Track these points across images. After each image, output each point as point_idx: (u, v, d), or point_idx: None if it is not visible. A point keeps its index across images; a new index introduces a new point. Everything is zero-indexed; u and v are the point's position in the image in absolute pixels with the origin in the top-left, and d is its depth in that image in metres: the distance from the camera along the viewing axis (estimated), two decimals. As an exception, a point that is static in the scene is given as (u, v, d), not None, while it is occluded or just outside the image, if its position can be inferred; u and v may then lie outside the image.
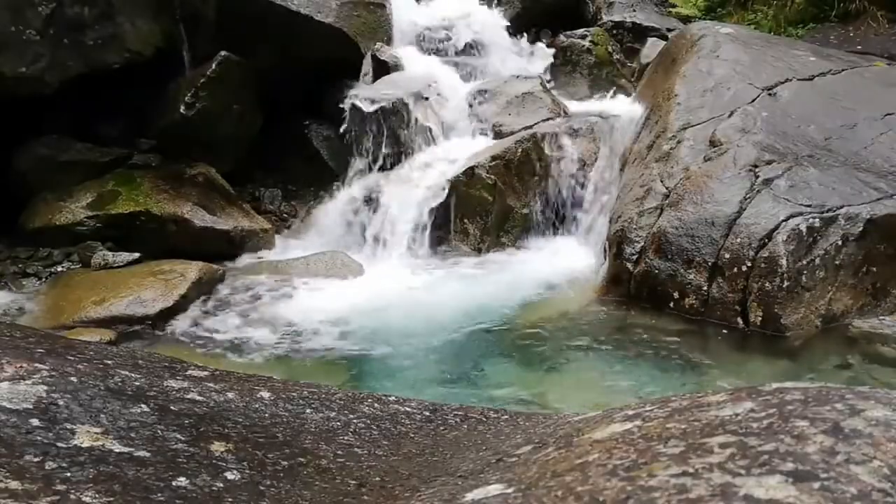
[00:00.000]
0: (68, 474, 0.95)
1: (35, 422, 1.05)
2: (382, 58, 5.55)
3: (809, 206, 3.90)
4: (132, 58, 4.82)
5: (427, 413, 1.44)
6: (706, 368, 3.49)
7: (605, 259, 4.43)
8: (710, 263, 3.90)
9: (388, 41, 5.75)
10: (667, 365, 3.53)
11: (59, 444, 1.01)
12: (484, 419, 1.42)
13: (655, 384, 3.35)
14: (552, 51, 6.52)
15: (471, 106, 5.55)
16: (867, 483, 0.73)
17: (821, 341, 3.72)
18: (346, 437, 1.26)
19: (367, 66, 5.56)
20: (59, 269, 4.43)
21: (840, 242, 3.80)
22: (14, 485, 0.89)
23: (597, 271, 4.52)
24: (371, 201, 5.03)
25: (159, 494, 0.95)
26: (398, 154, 5.27)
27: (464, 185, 4.93)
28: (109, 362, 1.37)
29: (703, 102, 4.79)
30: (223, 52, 4.98)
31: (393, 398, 1.52)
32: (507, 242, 4.99)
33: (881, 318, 3.88)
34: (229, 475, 1.04)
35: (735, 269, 3.82)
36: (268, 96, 5.22)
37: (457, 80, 5.75)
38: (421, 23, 6.06)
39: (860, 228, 3.83)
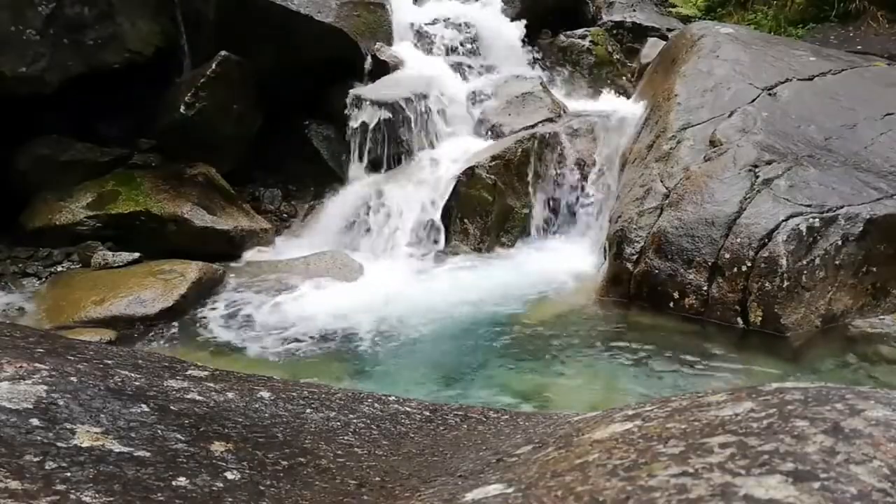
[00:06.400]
0: (68, 474, 0.95)
1: (35, 422, 1.05)
2: (382, 58, 5.55)
3: (809, 206, 3.90)
4: (132, 58, 4.82)
5: (427, 413, 1.44)
6: (706, 368, 3.48)
7: (605, 259, 4.43)
8: (710, 263, 3.90)
9: (388, 41, 5.75)
10: (667, 365, 3.53)
11: (59, 444, 1.01)
12: (484, 419, 1.42)
13: (655, 384, 3.35)
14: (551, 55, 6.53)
15: (471, 106, 5.56)
16: (867, 483, 0.73)
17: (821, 341, 3.72)
18: (346, 437, 1.26)
19: (367, 65, 5.55)
20: (59, 268, 4.43)
21: (840, 242, 3.80)
22: (14, 485, 0.89)
23: (597, 271, 4.52)
24: (371, 201, 5.03)
25: (159, 494, 0.95)
26: (398, 154, 5.27)
27: (464, 185, 4.93)
28: (109, 362, 1.37)
29: (703, 102, 4.79)
30: (223, 52, 4.98)
31: (393, 398, 1.52)
32: (507, 242, 5.00)
33: (881, 317, 3.88)
34: (229, 475, 1.04)
35: (735, 269, 3.82)
36: (268, 96, 5.22)
37: (457, 80, 5.75)
38: (421, 23, 6.06)
39: (860, 228, 3.83)
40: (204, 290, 4.21)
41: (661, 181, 4.38)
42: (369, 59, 5.54)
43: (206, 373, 1.48)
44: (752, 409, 0.91)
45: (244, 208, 5.05)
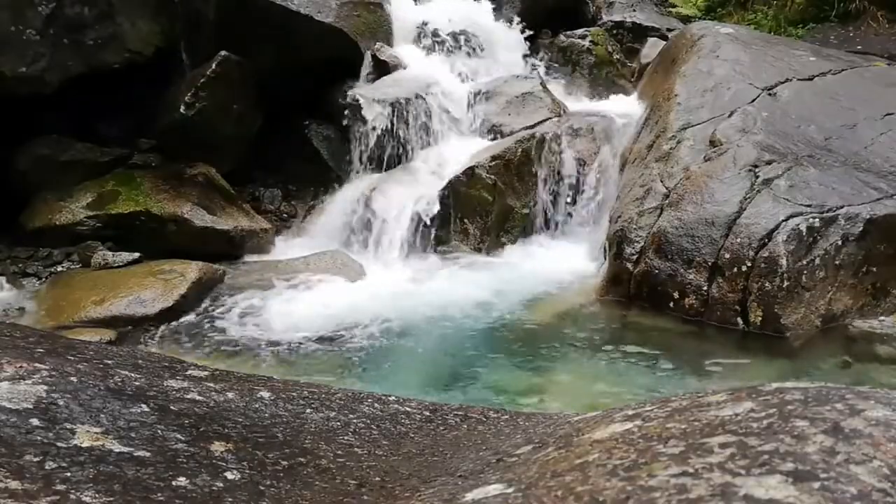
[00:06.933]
0: (68, 474, 0.95)
1: (35, 422, 1.05)
2: (382, 58, 5.55)
3: (809, 206, 3.90)
4: (132, 58, 4.82)
5: (427, 413, 1.44)
6: (706, 368, 3.49)
7: (605, 259, 4.43)
8: (710, 263, 3.90)
9: (388, 41, 5.75)
10: (667, 365, 3.53)
11: (59, 444, 1.01)
12: (484, 419, 1.42)
13: (655, 384, 3.35)
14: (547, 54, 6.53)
15: (471, 106, 5.56)
16: (867, 483, 0.73)
17: (821, 341, 3.72)
18: (346, 437, 1.26)
19: (367, 65, 5.55)
20: (59, 268, 4.43)
21: (840, 242, 3.80)
22: (14, 485, 0.89)
23: (597, 271, 4.52)
24: (371, 201, 5.03)
25: (159, 494, 0.95)
26: (398, 154, 5.27)
27: (464, 185, 4.93)
28: (109, 362, 1.37)
29: (703, 102, 4.79)
30: (223, 52, 4.98)
31: (393, 398, 1.52)
32: (506, 242, 5.00)
33: (881, 318, 3.88)
34: (229, 475, 1.04)
35: (735, 269, 3.82)
36: (268, 96, 5.22)
37: (457, 80, 5.74)
38: (421, 22, 6.06)
39: (860, 228, 3.83)
40: (204, 290, 4.21)
41: (661, 181, 4.38)
42: (369, 58, 5.54)
43: (206, 373, 1.48)
44: (752, 409, 0.91)
45: (244, 208, 5.05)
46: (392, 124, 5.21)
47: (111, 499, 0.91)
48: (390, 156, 5.26)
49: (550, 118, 5.42)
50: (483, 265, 4.73)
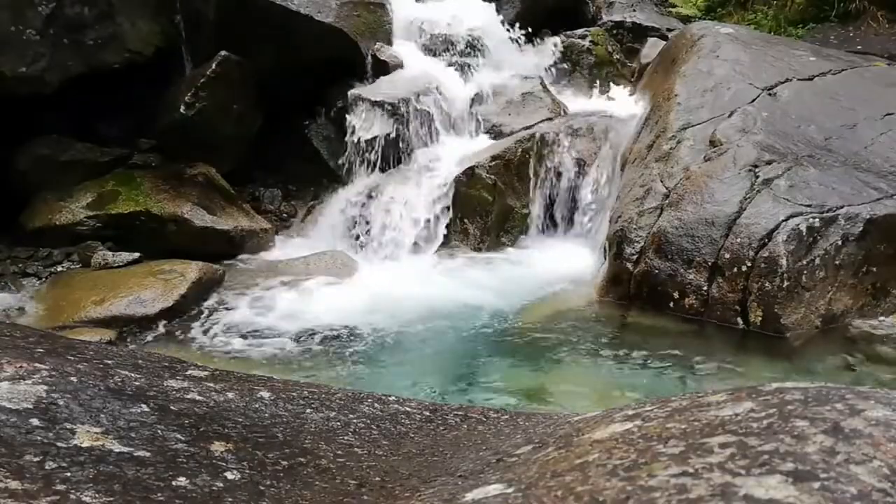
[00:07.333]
0: (68, 474, 0.95)
1: (35, 422, 1.05)
2: (382, 58, 5.55)
3: (809, 206, 3.90)
4: (132, 58, 4.82)
5: (427, 413, 1.44)
6: (706, 368, 3.49)
7: (605, 259, 4.43)
8: (710, 263, 3.90)
9: (388, 41, 5.75)
10: (667, 364, 3.53)
11: (59, 444, 1.01)
12: (484, 419, 1.42)
13: (655, 384, 3.35)
14: (554, 48, 6.52)
15: (471, 106, 5.55)
16: (867, 483, 0.73)
17: (821, 341, 3.72)
18: (346, 437, 1.26)
19: (367, 65, 5.55)
20: (59, 268, 4.43)
21: (840, 242, 3.80)
22: (14, 485, 0.89)
23: (597, 271, 4.52)
24: (371, 201, 5.03)
25: (159, 494, 0.95)
26: (398, 154, 5.27)
27: (464, 185, 4.93)
28: (109, 362, 1.37)
29: (703, 102, 4.79)
30: (223, 52, 4.98)
31: (393, 398, 1.52)
32: (506, 242, 5.00)
33: (881, 318, 3.88)
34: (229, 475, 1.04)
35: (735, 269, 3.82)
36: (268, 96, 5.22)
37: (457, 80, 5.74)
38: (421, 22, 6.06)
39: (860, 228, 3.83)
40: (204, 290, 4.21)
41: (661, 181, 4.38)
42: (369, 59, 5.54)
43: (206, 373, 1.48)
44: (752, 409, 0.91)
45: (244, 208, 5.05)
46: (392, 124, 5.21)
47: (111, 499, 0.92)
48: (390, 156, 5.26)
49: (550, 118, 5.42)
50: (483, 265, 4.73)
